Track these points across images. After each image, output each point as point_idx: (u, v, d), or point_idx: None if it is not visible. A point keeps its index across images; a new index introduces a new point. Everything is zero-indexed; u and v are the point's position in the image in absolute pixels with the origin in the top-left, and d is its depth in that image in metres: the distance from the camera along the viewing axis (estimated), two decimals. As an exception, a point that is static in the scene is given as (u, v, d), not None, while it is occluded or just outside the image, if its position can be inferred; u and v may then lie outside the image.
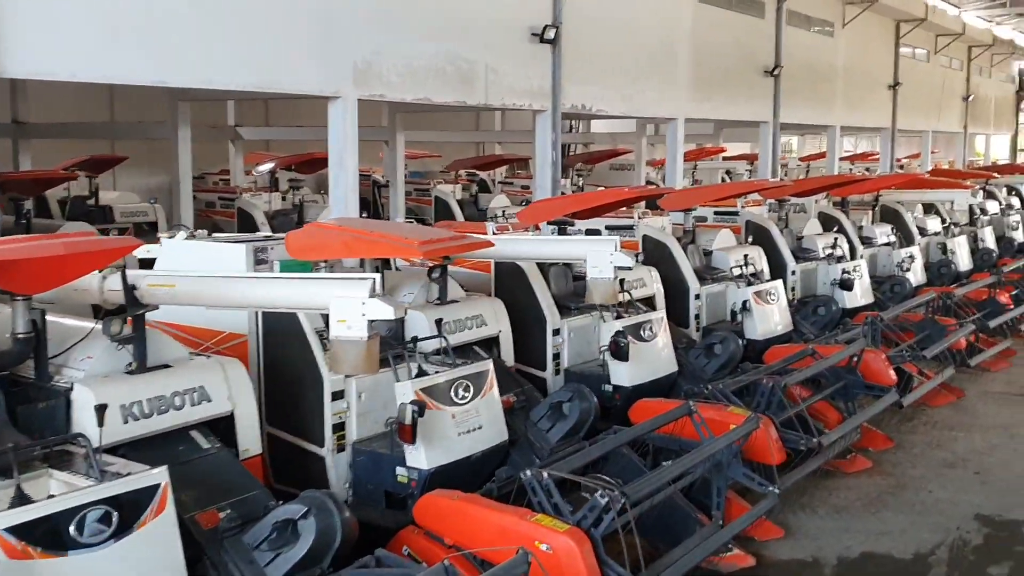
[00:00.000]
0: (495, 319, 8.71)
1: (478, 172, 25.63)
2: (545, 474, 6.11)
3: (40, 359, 5.89)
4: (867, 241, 16.14)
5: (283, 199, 18.84)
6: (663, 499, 6.80)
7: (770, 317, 11.79)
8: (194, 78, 10.75)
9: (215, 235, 8.86)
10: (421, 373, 7.09)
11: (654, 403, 8.43)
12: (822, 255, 14.39)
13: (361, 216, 15.80)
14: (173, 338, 7.10)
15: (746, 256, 12.50)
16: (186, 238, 8.22)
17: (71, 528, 4.63)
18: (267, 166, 19.49)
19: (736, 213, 14.65)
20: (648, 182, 25.72)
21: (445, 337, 7.56)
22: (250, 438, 6.49)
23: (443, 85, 13.73)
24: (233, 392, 6.39)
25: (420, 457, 6.86)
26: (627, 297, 10.01)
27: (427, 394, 6.93)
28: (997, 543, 7.81)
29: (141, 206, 17.80)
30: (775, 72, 22.99)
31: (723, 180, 29.02)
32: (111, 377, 5.93)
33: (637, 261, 11.56)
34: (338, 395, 7.20)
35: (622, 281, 9.93)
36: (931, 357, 11.32)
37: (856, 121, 29.53)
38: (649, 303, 11.00)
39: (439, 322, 7.72)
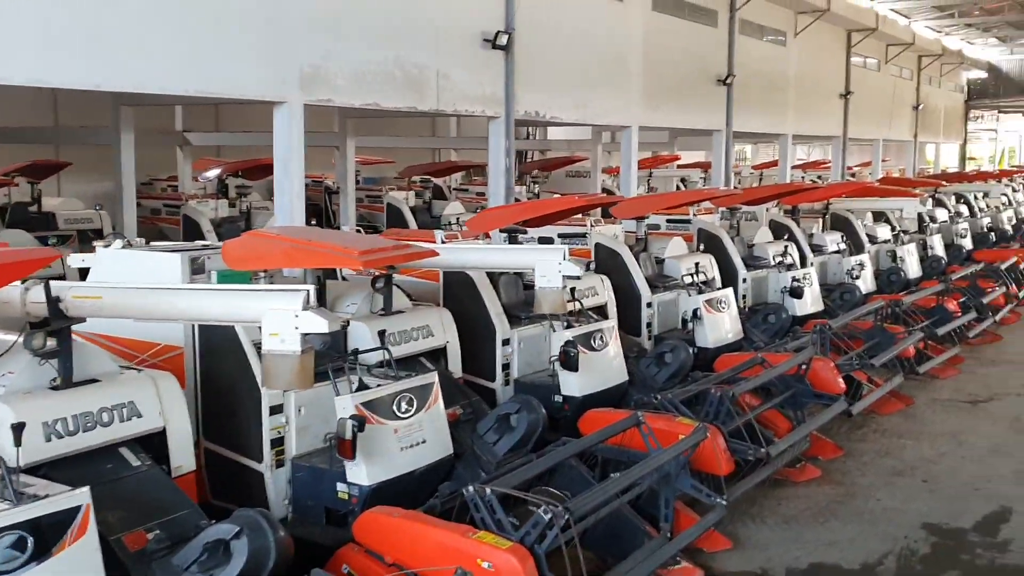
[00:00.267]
0: (442, 329, 8.55)
1: (432, 179, 25.43)
2: (488, 490, 5.96)
3: (-43, 375, 5.65)
4: (817, 249, 16.22)
5: (231, 206, 18.51)
6: (611, 512, 6.69)
7: (721, 325, 11.76)
8: (131, 82, 10.47)
9: (153, 244, 8.62)
10: (362, 386, 6.91)
11: (603, 413, 8.32)
12: (773, 263, 14.42)
13: (310, 223, 15.60)
14: (107, 351, 6.88)
15: (697, 264, 12.46)
16: (122, 247, 7.98)
17: (-17, 555, 4.41)
18: (213, 172, 19.15)
19: (688, 221, 14.65)
20: (604, 190, 25.72)
21: (388, 349, 7.39)
22: (183, 454, 6.28)
23: (393, 90, 13.56)
24: (165, 407, 6.18)
25: (361, 473, 6.68)
26: (578, 306, 9.89)
27: (368, 408, 6.75)
28: (944, 552, 7.79)
29: (86, 213, 17.40)
30: (728, 81, 23.10)
31: (678, 188, 29.20)
32: (34, 393, 5.69)
33: (589, 269, 11.53)
34: (276, 409, 6.99)
35: (573, 290, 9.84)
36: (880, 365, 11.33)
37: (808, 130, 29.80)
38: (601, 312, 10.91)
39: (382, 333, 7.54)
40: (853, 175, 35.71)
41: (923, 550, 7.79)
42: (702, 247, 13.71)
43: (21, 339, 5.77)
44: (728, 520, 7.87)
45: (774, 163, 33.22)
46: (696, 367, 10.65)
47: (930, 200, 22.31)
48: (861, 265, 16.16)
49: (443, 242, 9.65)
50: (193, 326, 7.13)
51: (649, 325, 11.85)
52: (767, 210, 16.89)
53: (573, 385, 9.09)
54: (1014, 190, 29.59)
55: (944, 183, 24.42)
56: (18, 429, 4.98)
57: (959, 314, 14.27)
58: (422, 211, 21.65)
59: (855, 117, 32.22)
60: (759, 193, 16.18)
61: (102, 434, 5.79)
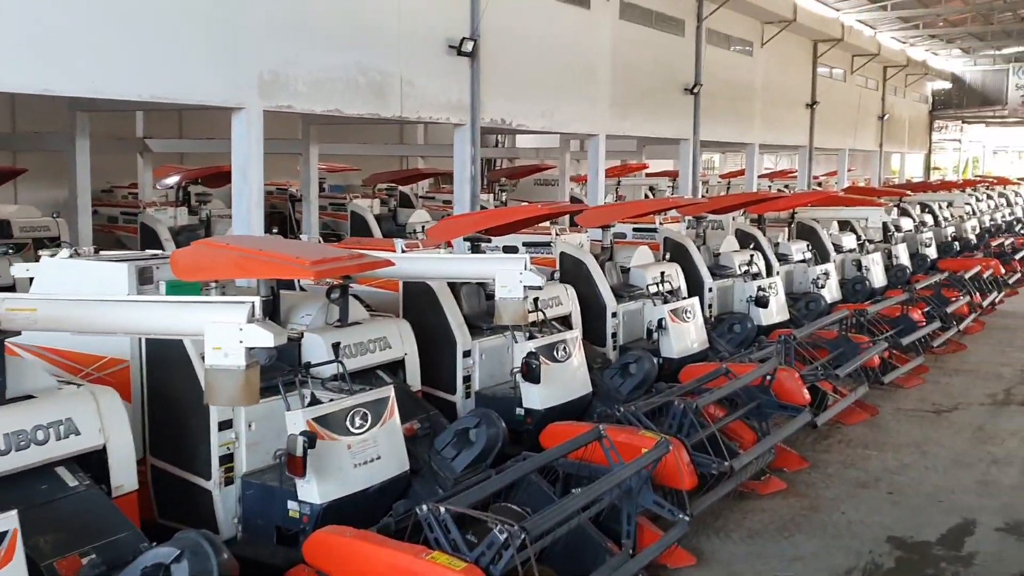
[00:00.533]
0: (400, 341, 8.34)
1: (398, 186, 25.19)
2: (442, 509, 5.76)
3: None
4: (783, 258, 16.19)
5: (192, 214, 18.17)
6: (571, 528, 6.52)
7: (686, 335, 11.63)
8: (83, 87, 10.19)
9: (101, 253, 8.36)
10: (314, 401, 6.69)
11: (565, 427, 8.15)
12: (739, 272, 14.35)
13: (271, 231, 15.34)
14: (50, 364, 6.64)
15: (663, 273, 12.36)
16: (69, 256, 7.72)
17: None
18: (172, 179, 18.81)
19: (655, 230, 14.56)
20: (572, 198, 25.63)
21: (341, 362, 7.18)
22: (124, 473, 6.03)
23: (355, 97, 13.36)
24: (106, 424, 5.93)
25: (312, 491, 6.46)
26: (541, 316, 9.74)
27: (320, 423, 6.54)
28: (908, 566, 7.69)
29: (43, 221, 16.99)
30: (695, 90, 23.10)
31: (646, 196, 29.16)
32: (-37, 411, 5.43)
33: (553, 278, 11.37)
34: (226, 424, 6.76)
35: (536, 300, 9.70)
36: (845, 375, 11.26)
37: (775, 139, 29.91)
38: (565, 322, 10.77)
39: (336, 346, 7.33)
40: (819, 184, 35.88)
41: (888, 564, 7.69)
42: (668, 256, 13.62)
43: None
44: (692, 534, 7.73)
45: (742, 172, 33.34)
46: (661, 377, 10.53)
47: (895, 209, 22.43)
48: (826, 274, 16.16)
49: (403, 251, 9.43)
50: (140, 339, 6.90)
51: (614, 335, 11.73)
52: (733, 219, 16.85)
53: (535, 397, 8.92)
54: (978, 200, 29.87)
55: (909, 193, 24.55)
56: (-59, 450, 4.73)
57: (923, 324, 14.26)
58: (387, 219, 21.40)
59: (821, 127, 32.39)
60: (725, 202, 16.12)
61: (36, 453, 5.53)
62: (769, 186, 33.18)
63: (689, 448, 7.85)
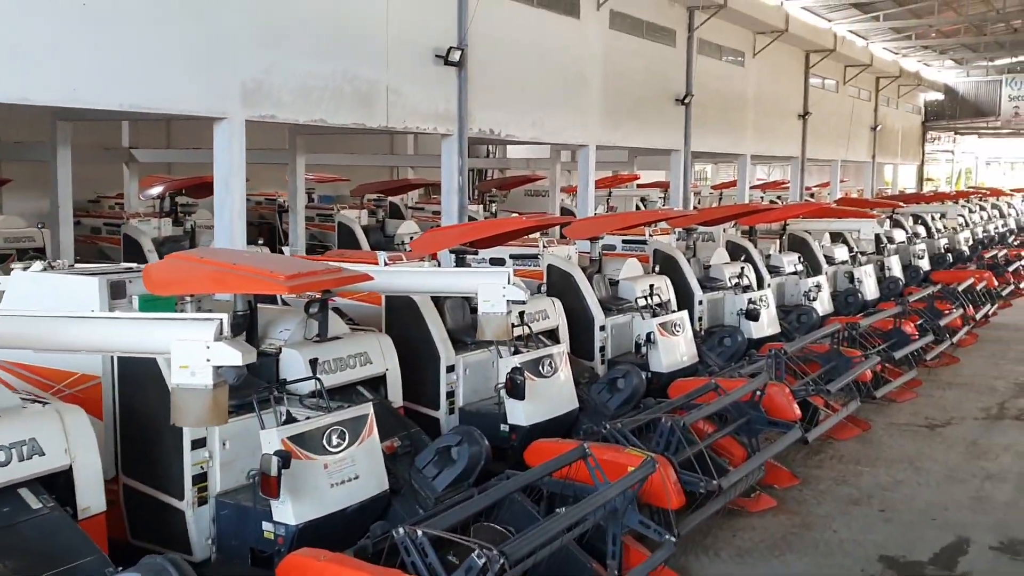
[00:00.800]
0: (381, 356, 8.16)
1: (386, 197, 24.98)
2: (419, 531, 5.58)
3: None
4: (774, 270, 16.06)
5: (177, 224, 17.93)
6: (556, 549, 6.33)
7: (675, 349, 11.48)
8: (60, 96, 10.00)
9: (76, 267, 8.17)
10: (290, 419, 6.51)
11: (550, 444, 7.99)
12: (729, 284, 14.20)
13: (256, 243, 15.14)
14: (20, 380, 6.44)
15: (652, 286, 12.21)
16: (42, 269, 7.52)
17: None
18: (156, 190, 18.61)
19: (644, 242, 14.41)
20: (563, 209, 25.49)
21: (318, 378, 6.99)
22: (91, 495, 5.82)
23: (340, 106, 13.19)
24: (72, 444, 5.73)
25: (287, 512, 6.27)
26: (527, 330, 9.56)
27: (296, 442, 6.35)
28: (901, 587, 7.54)
29: (27, 231, 16.81)
30: (686, 100, 22.98)
31: (637, 207, 29.06)
32: (-80, 431, 5.24)
33: (540, 291, 11.21)
34: (199, 443, 6.58)
35: (522, 314, 9.53)
36: (837, 390, 11.10)
37: (767, 150, 29.80)
38: (552, 336, 10.60)
39: (313, 362, 7.15)
40: (812, 195, 35.81)
41: (880, 585, 7.54)
42: (658, 268, 13.47)
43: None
44: (681, 553, 7.58)
45: (734, 183, 33.24)
46: (650, 392, 10.36)
47: (888, 221, 22.33)
48: (818, 287, 16.02)
49: (386, 264, 9.25)
50: (112, 355, 6.70)
51: (602, 349, 11.57)
52: (724, 231, 16.71)
53: (520, 414, 8.75)
54: (971, 211, 29.81)
55: (901, 204, 24.46)
56: None
57: (916, 337, 14.11)
58: (375, 230, 21.22)
59: (813, 138, 32.31)
60: (715, 214, 16.00)
61: (-1, 474, 5.34)
62: (761, 197, 33.08)
63: (676, 466, 7.68)
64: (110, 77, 10.31)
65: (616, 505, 6.82)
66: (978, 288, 18.90)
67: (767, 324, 13.85)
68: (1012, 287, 22.58)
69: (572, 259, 12.48)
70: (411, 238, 17.91)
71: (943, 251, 24.21)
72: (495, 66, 16.32)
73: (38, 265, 7.62)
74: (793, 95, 31.20)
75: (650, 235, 14.64)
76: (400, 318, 9.18)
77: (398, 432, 7.73)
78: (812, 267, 17.01)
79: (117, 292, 7.03)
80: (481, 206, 25.20)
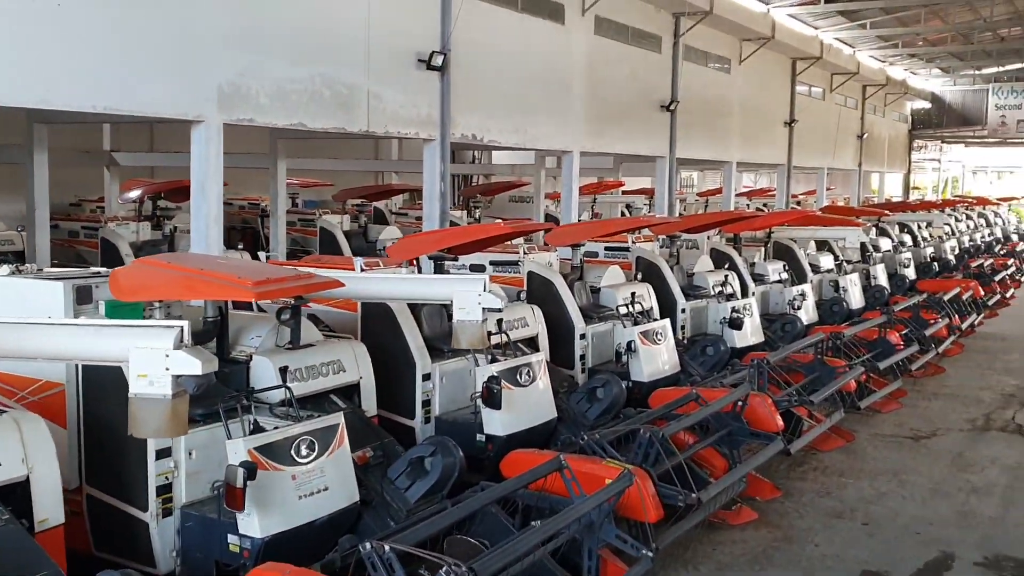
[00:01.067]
0: (355, 364, 7.99)
1: (369, 202, 24.78)
2: (387, 547, 5.42)
3: None
4: (759, 278, 15.94)
5: (156, 228, 17.68)
6: (530, 563, 6.18)
7: (657, 358, 11.34)
8: (30, 97, 9.79)
9: (45, 271, 7.97)
10: (257, 429, 6.33)
11: (527, 455, 7.85)
12: (713, 293, 14.07)
13: (236, 247, 14.97)
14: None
15: (634, 294, 12.07)
16: (9, 273, 7.33)
17: None
18: (134, 193, 18.38)
19: (627, 249, 14.28)
20: (547, 215, 25.35)
21: (288, 387, 6.82)
22: (49, 506, 5.64)
23: (320, 110, 13.01)
24: (30, 454, 5.55)
25: (253, 524, 6.10)
26: (505, 338, 9.40)
27: (263, 453, 6.19)
28: (883, 604, 7.40)
29: (6, 234, 16.58)
30: (671, 107, 22.88)
31: (623, 214, 28.95)
32: None
33: (520, 299, 11.06)
34: (164, 453, 6.40)
35: (500, 321, 9.38)
36: (820, 400, 10.97)
37: (753, 157, 29.74)
38: (532, 344, 10.45)
39: (283, 370, 6.98)
40: (799, 203, 35.78)
41: (861, 602, 7.40)
42: (640, 276, 13.34)
43: None
44: (659, 566, 7.45)
45: (719, 190, 33.17)
46: (631, 402, 10.24)
47: (874, 229, 22.28)
48: (803, 295, 15.91)
49: (362, 269, 9.08)
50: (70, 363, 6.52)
51: (583, 357, 11.41)
52: (708, 238, 16.61)
53: (496, 423, 8.59)
54: (957, 220, 29.82)
55: (887, 212, 24.41)
56: None
57: (901, 347, 14.03)
58: (357, 235, 21.03)
59: (800, 145, 32.27)
60: (699, 221, 15.89)
61: (-50, 487, 5.16)
62: (747, 204, 33.00)
63: (655, 479, 7.56)
64: (83, 79, 10.12)
65: (592, 518, 6.68)
66: (964, 298, 18.86)
67: (751, 333, 13.73)
68: (998, 296, 22.58)
69: (553, 266, 12.35)
70: (393, 243, 17.73)
71: (929, 260, 24.19)
72: (478, 71, 16.18)
73: (5, 269, 7.44)
74: (779, 102, 31.16)
75: (633, 242, 14.51)
76: (376, 325, 9.01)
77: (371, 442, 7.57)
78: (797, 275, 16.90)
79: (83, 297, 6.84)
80: (465, 212, 25.03)
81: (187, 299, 6.76)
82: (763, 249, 17.07)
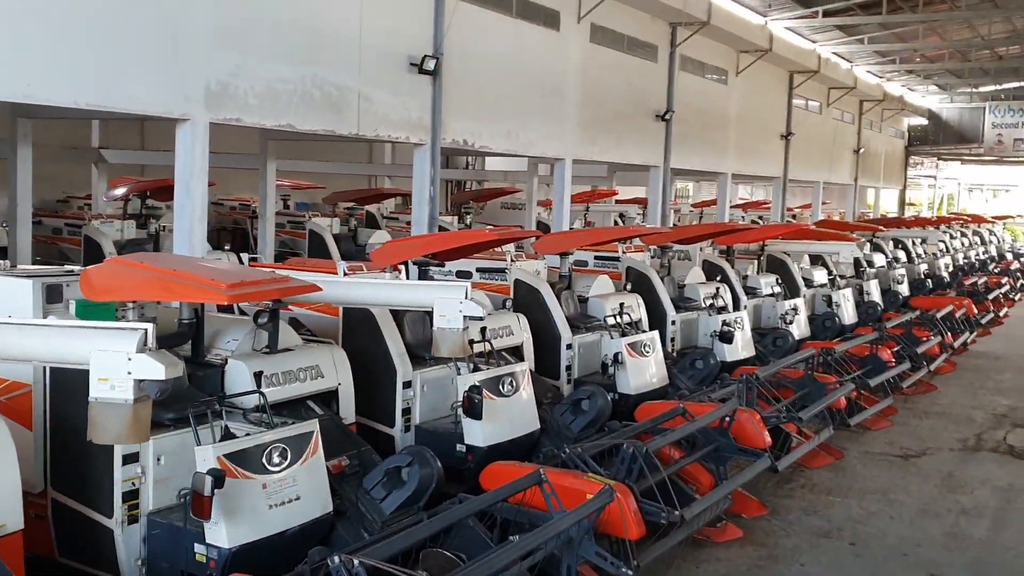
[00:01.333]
0: (333, 370, 7.81)
1: (358, 205, 24.58)
2: (356, 561, 5.24)
3: None
4: (751, 291, 15.80)
5: (142, 227, 17.44)
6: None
7: (644, 370, 11.17)
8: (10, 91, 9.56)
9: (18, 268, 7.80)
10: (227, 435, 6.15)
11: (507, 467, 7.67)
12: (704, 305, 13.91)
13: (223, 248, 14.78)
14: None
15: (622, 304, 11.90)
16: (-20, 271, 7.15)
17: None
18: (119, 191, 18.17)
19: (617, 258, 14.12)
20: (539, 223, 25.21)
21: (262, 392, 6.63)
22: (7, 511, 5.45)
23: (309, 111, 12.83)
24: (-14, 457, 5.35)
25: (220, 533, 5.92)
26: (488, 347, 9.23)
27: (233, 460, 6.00)
28: (868, 628, 7.23)
29: (-10, 229, 16.35)
30: (667, 117, 22.74)
31: (616, 223, 28.82)
32: None
33: (506, 307, 10.89)
34: (131, 458, 6.20)
35: (484, 329, 9.21)
36: (809, 417, 10.82)
37: (748, 169, 29.62)
38: (517, 353, 10.28)
39: (258, 375, 6.80)
40: (794, 217, 35.70)
41: (846, 625, 7.23)
42: (630, 286, 13.17)
43: None
44: (641, 585, 7.24)
45: (714, 201, 33.06)
46: (617, 415, 10.06)
47: (868, 244, 22.17)
48: (795, 309, 15.76)
49: (345, 274, 8.90)
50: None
51: (569, 368, 11.24)
52: (701, 250, 16.46)
53: (477, 434, 8.41)
54: (952, 237, 29.74)
55: (882, 228, 24.30)
56: None
57: (893, 364, 13.87)
58: (347, 239, 20.85)
59: (796, 158, 32.18)
60: (690, 232, 15.74)
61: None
62: (742, 217, 32.88)
63: (637, 495, 7.37)
64: (67, 73, 9.92)
65: (571, 535, 6.51)
66: (957, 315, 18.73)
67: (741, 347, 13.57)
68: (991, 315, 22.47)
69: (541, 274, 12.19)
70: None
71: (923, 277, 24.07)
72: (471, 76, 16.03)
73: (-25, 265, 7.26)
74: (776, 115, 31.07)
75: (623, 252, 14.35)
76: (357, 330, 8.84)
77: (347, 450, 7.39)
78: (790, 289, 16.76)
79: (53, 296, 6.67)
80: (456, 218, 24.87)
81: (159, 300, 6.58)
82: (756, 262, 16.93)
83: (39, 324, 5.06)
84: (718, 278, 14.96)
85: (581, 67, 19.57)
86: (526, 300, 11.08)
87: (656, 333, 11.83)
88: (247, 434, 6.29)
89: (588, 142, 20.01)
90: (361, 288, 8.16)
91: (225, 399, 6.65)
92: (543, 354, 10.81)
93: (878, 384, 13.24)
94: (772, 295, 16.13)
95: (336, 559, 5.27)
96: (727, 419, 9.05)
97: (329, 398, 7.85)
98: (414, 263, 9.81)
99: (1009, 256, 35.81)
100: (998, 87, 46.06)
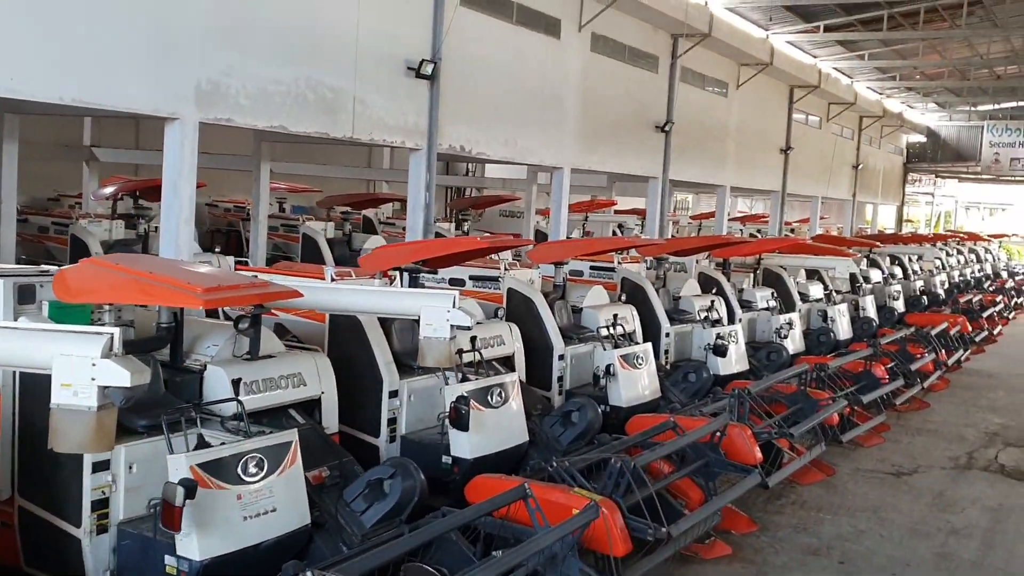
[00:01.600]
0: (317, 378, 7.64)
1: (355, 210, 24.39)
2: (327, 575, 5.07)
3: None
4: (747, 305, 15.66)
5: (131, 227, 17.22)
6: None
7: (636, 382, 11.01)
8: (-7, 85, 9.44)
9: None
10: (202, 444, 5.97)
11: (493, 480, 7.52)
12: (698, 317, 13.76)
13: (213, 250, 14.61)
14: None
15: (616, 315, 11.75)
16: (-46, 271, 6.98)
17: None
18: (108, 190, 17.99)
19: (613, 269, 13.98)
20: (538, 231, 25.07)
21: (239, 400, 6.46)
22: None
23: (303, 113, 12.67)
24: (-51, 462, 5.18)
25: (192, 545, 5.74)
26: (478, 357, 9.07)
27: (207, 470, 5.83)
28: (857, 652, 7.07)
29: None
30: (666, 128, 22.61)
31: (614, 233, 28.68)
32: None
33: (498, 316, 10.73)
34: (101, 466, 6.03)
35: (474, 339, 9.05)
36: (802, 433, 10.66)
37: (747, 182, 29.51)
38: (508, 363, 10.12)
39: (236, 382, 6.63)
40: (792, 231, 35.59)
41: (834, 649, 7.07)
42: (624, 297, 13.02)
43: None
44: (627, 602, 7.07)
45: (713, 214, 32.91)
46: (609, 427, 9.91)
47: (864, 260, 22.05)
48: (790, 324, 15.63)
49: (332, 280, 8.74)
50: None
51: (560, 379, 11.09)
52: (697, 262, 16.32)
53: (464, 446, 8.24)
54: (948, 255, 29.64)
55: (879, 244, 24.20)
56: None
57: (886, 380, 13.74)
58: (341, 243, 20.65)
59: (795, 173, 32.07)
60: (685, 244, 15.61)
61: None
62: (741, 230, 32.75)
63: (624, 510, 7.21)
64: (52, 68, 9.74)
65: (555, 551, 6.35)
66: (952, 332, 18.62)
67: (735, 360, 13.43)
68: (986, 333, 22.36)
69: (535, 283, 12.03)
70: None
71: (919, 293, 23.98)
72: (469, 82, 15.89)
73: (-50, 264, 7.09)
74: (776, 129, 30.97)
75: (619, 262, 14.21)
76: (344, 338, 8.67)
77: (328, 461, 7.22)
78: (785, 304, 16.64)
79: (25, 297, 6.51)
80: (453, 224, 24.72)
81: (132, 303, 6.41)
82: (752, 275, 16.80)
83: (3, 327, 4.88)
84: (713, 291, 14.83)
85: (581, 76, 19.44)
86: (519, 309, 10.93)
87: (649, 345, 11.68)
88: (222, 443, 6.12)
89: (587, 151, 19.87)
90: (346, 294, 7.98)
91: (202, 406, 6.47)
92: (535, 365, 10.67)
93: (871, 400, 13.11)
94: (767, 309, 16.00)
95: (309, 573, 5.12)
96: (718, 434, 8.90)
97: (312, 407, 7.68)
98: (404, 270, 9.63)
99: (1004, 274, 35.73)
100: (996, 106, 46.06)
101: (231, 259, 11.99)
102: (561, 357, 11.05)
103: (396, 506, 6.81)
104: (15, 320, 6.09)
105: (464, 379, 8.58)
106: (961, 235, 37.22)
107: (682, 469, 8.76)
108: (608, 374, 10.74)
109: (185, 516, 5.60)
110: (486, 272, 11.60)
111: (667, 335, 13.25)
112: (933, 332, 17.30)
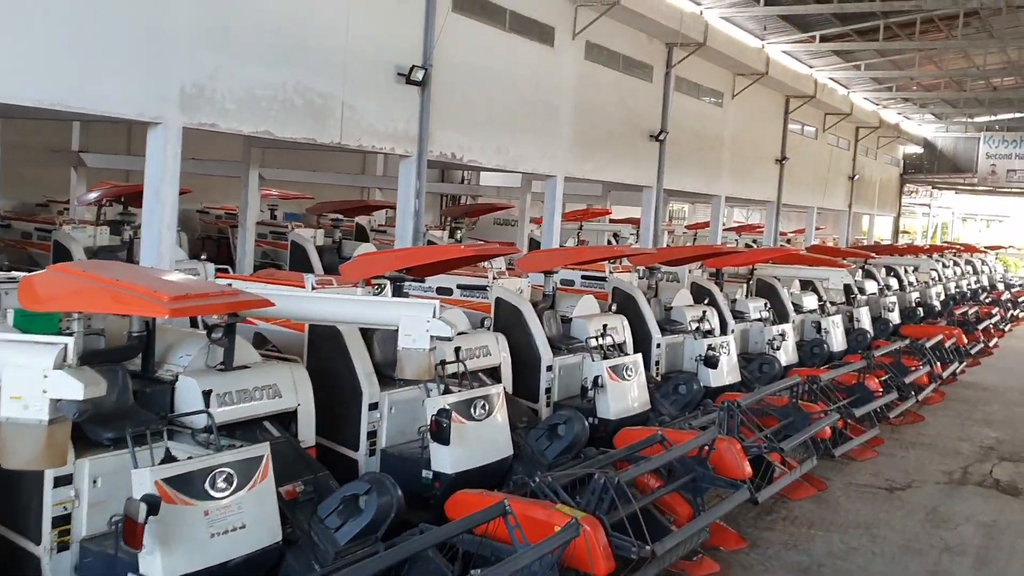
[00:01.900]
0: (293, 389, 7.42)
1: (345, 217, 24.20)
2: (294, 598, 4.87)
3: None
4: (739, 315, 15.47)
5: (115, 233, 17.00)
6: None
7: (625, 394, 10.81)
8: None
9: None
10: (168, 458, 5.77)
11: (474, 496, 7.32)
12: (690, 328, 13.56)
13: (199, 258, 14.41)
14: None
15: (605, 326, 11.55)
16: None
17: None
18: (92, 195, 17.78)
19: (604, 278, 13.79)
20: (532, 240, 24.87)
21: (209, 413, 6.26)
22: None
23: (290, 118, 12.47)
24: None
25: (155, 564, 5.53)
26: (461, 368, 8.86)
27: (173, 485, 5.62)
28: (847, 675, 6.87)
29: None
30: (661, 137, 22.45)
31: (609, 243, 28.52)
32: None
33: (485, 326, 10.54)
34: (63, 480, 5.81)
35: (457, 349, 8.85)
36: (793, 446, 10.47)
37: (742, 192, 29.34)
38: (494, 374, 9.91)
39: (207, 393, 6.42)
40: (788, 241, 35.42)
41: (823, 672, 6.86)
42: (615, 307, 12.82)
43: None
44: (610, 621, 6.86)
45: (708, 223, 32.74)
46: (597, 440, 9.71)
47: (859, 271, 21.89)
48: (783, 335, 15.43)
49: (313, 288, 8.54)
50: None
51: (548, 391, 10.88)
52: (689, 272, 16.13)
53: (445, 460, 8.02)
54: (944, 266, 29.49)
55: (874, 255, 24.04)
56: None
57: (880, 394, 13.54)
58: (330, 251, 20.42)
59: (790, 183, 31.92)
60: (677, 253, 15.42)
61: None
62: (736, 240, 32.60)
63: (608, 527, 7.00)
64: (29, 70, 9.51)
65: (534, 570, 6.14)
66: (947, 345, 18.44)
67: (727, 372, 13.23)
68: (981, 345, 22.19)
69: (524, 293, 11.85)
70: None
71: (914, 305, 23.80)
72: (460, 88, 15.71)
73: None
74: (771, 139, 30.82)
75: (611, 272, 14.02)
76: (323, 348, 8.46)
77: (303, 475, 7.00)
78: (779, 314, 16.44)
79: (-9, 304, 6.30)
80: (446, 232, 24.52)
81: (97, 311, 6.19)
82: (745, 286, 16.62)
83: (-49, 336, 4.69)
84: (706, 301, 14.64)
85: (575, 84, 19.27)
86: (507, 319, 10.73)
87: (639, 356, 11.48)
88: (190, 457, 5.91)
89: (580, 160, 19.69)
90: (323, 304, 7.77)
91: (170, 418, 6.26)
92: (522, 376, 10.46)
93: (864, 413, 12.91)
94: (760, 320, 15.81)
95: (275, 595, 4.92)
96: (706, 448, 8.70)
97: (288, 419, 7.46)
98: (388, 278, 9.42)
99: (1000, 286, 35.58)
100: (992, 118, 46.00)
101: (211, 266, 11.77)
102: (549, 368, 10.85)
103: (372, 523, 6.60)
104: (-23, 329, 5.89)
105: (446, 391, 8.37)
106: (957, 247, 37.09)
107: (669, 484, 8.57)
108: (596, 386, 10.53)
109: (148, 533, 5.39)
110: (474, 281, 11.41)
111: (658, 346, 13.06)
112: (928, 344, 17.11)
